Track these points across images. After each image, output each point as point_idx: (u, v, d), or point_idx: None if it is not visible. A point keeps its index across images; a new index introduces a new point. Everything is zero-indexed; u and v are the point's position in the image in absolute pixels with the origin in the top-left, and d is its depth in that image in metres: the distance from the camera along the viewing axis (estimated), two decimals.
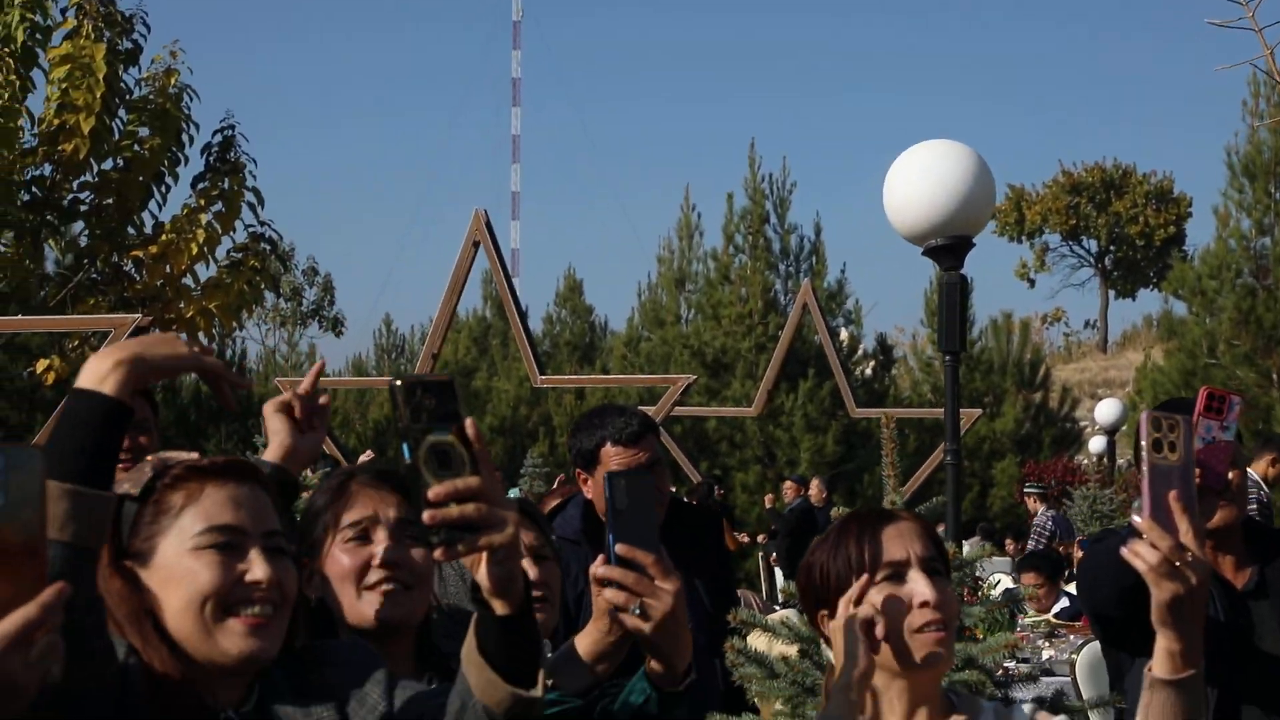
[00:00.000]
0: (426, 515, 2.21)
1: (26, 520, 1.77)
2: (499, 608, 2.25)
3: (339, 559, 2.95)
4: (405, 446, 2.22)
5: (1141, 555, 2.60)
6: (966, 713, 2.89)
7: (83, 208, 18.41)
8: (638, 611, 2.65)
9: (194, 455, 2.56)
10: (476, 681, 2.31)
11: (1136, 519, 2.62)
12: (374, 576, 2.92)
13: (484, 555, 2.22)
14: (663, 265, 31.92)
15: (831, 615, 2.87)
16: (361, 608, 2.91)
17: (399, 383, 2.23)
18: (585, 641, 3.05)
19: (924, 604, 2.76)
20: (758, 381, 22.78)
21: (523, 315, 12.73)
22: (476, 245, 12.19)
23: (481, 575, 2.24)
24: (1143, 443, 2.61)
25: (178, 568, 2.44)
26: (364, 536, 2.95)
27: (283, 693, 2.52)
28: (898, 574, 2.80)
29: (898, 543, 2.82)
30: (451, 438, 2.23)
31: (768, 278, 29.24)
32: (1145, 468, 2.61)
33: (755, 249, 29.33)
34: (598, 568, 2.68)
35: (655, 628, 2.65)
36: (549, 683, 3.11)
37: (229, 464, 2.54)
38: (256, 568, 2.43)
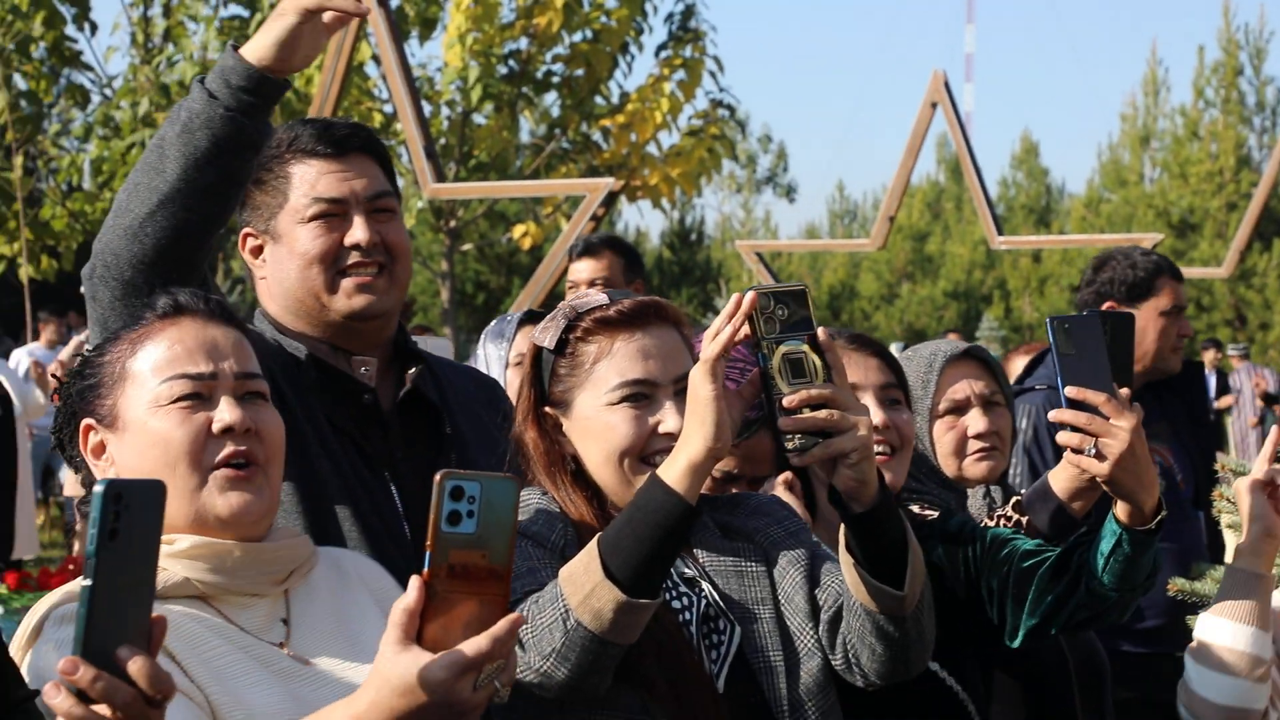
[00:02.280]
0: (782, 422, 2.27)
1: (495, 549, 1.88)
2: (855, 508, 2.30)
3: None
4: (760, 356, 2.30)
5: None
6: None
7: (555, 79, 19.17)
8: (1093, 452, 2.65)
9: (603, 299, 2.59)
10: (849, 578, 2.39)
11: None
12: None
13: (838, 460, 2.27)
14: (1125, 123, 30.65)
15: None
16: None
17: (751, 294, 2.30)
18: (1059, 479, 3.11)
19: None
20: (1227, 242, 21.71)
21: (981, 176, 12.60)
22: (934, 107, 12.13)
23: (836, 479, 2.29)
24: None
25: (595, 421, 2.53)
26: None
27: (711, 531, 2.62)
28: None
29: None
30: (805, 346, 2.29)
31: (1240, 133, 27.68)
32: None
33: (1227, 103, 27.77)
34: (1053, 412, 2.70)
35: (1114, 466, 2.64)
36: (1021, 519, 3.20)
37: (638, 310, 2.56)
38: (669, 419, 2.49)
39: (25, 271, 16.50)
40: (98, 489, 1.65)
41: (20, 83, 17.82)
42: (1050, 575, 2.79)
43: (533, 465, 2.59)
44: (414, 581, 1.86)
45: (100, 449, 2.28)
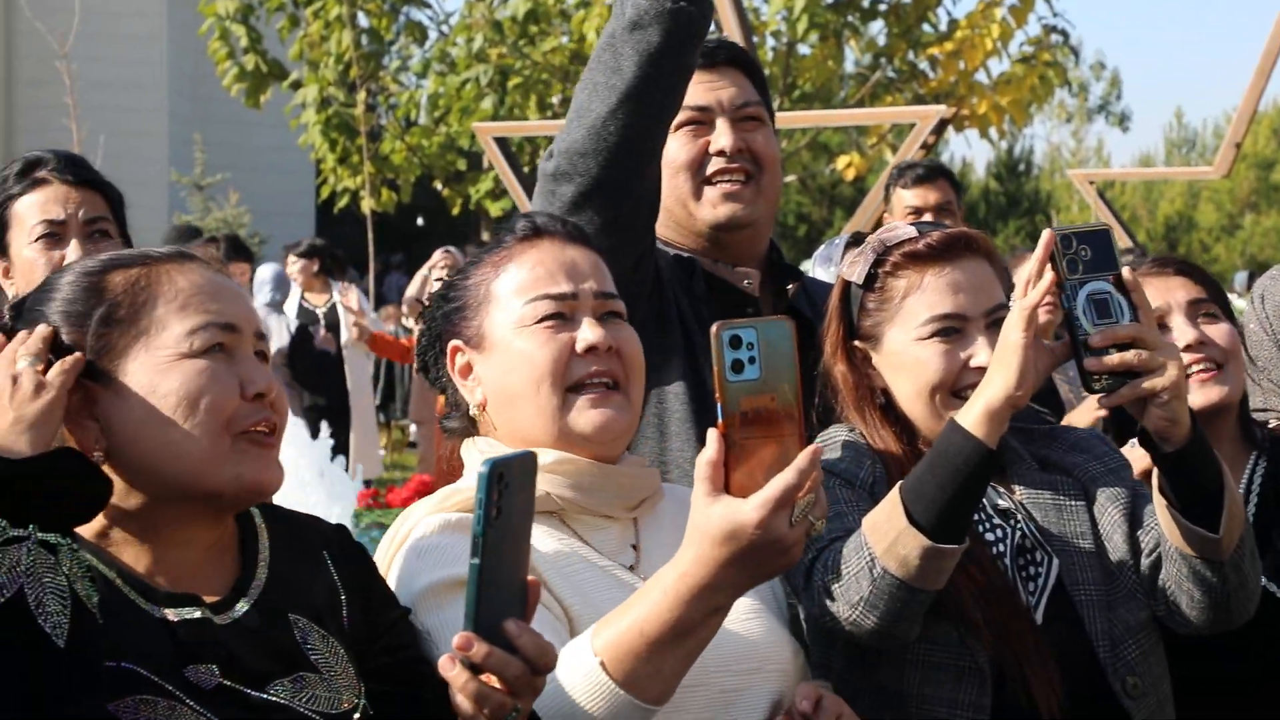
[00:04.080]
0: (1088, 363, 2.22)
1: (781, 390, 1.89)
2: (1166, 448, 2.24)
3: None
4: (1063, 297, 2.25)
5: None
6: None
7: (881, 7, 18.88)
8: None
9: (911, 231, 2.55)
10: (1163, 521, 2.32)
11: None
12: None
13: (1148, 400, 2.21)
14: None
15: None
16: None
17: (1049, 234, 2.27)
18: None
19: None
20: None
21: None
22: None
23: (1147, 419, 2.23)
24: None
25: (905, 356, 2.50)
26: None
27: (1028, 464, 2.58)
28: None
29: None
30: (1109, 286, 2.25)
31: None
32: None
33: None
34: None
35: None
36: None
37: (948, 242, 2.51)
38: (981, 353, 2.45)
39: (367, 204, 17.21)
40: (481, 470, 1.71)
41: (363, 20, 18.52)
42: None
43: (841, 399, 2.58)
44: (711, 434, 1.88)
45: (467, 369, 2.34)
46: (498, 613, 1.74)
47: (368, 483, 9.79)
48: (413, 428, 14.55)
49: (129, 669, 1.82)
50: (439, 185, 19.38)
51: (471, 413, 2.35)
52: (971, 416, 2.27)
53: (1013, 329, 2.26)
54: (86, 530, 1.94)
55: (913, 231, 2.54)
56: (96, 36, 18.28)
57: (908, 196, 5.82)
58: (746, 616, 2.25)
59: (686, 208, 2.95)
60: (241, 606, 1.96)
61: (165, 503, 1.95)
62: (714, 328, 1.89)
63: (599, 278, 2.33)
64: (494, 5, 17.86)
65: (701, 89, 2.96)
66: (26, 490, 1.78)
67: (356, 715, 1.97)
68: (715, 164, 2.94)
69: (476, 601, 1.72)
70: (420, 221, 28.25)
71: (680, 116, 2.91)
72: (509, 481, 1.72)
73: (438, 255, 11.89)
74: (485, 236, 20.41)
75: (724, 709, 2.17)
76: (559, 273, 2.29)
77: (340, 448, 10.31)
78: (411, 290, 12.17)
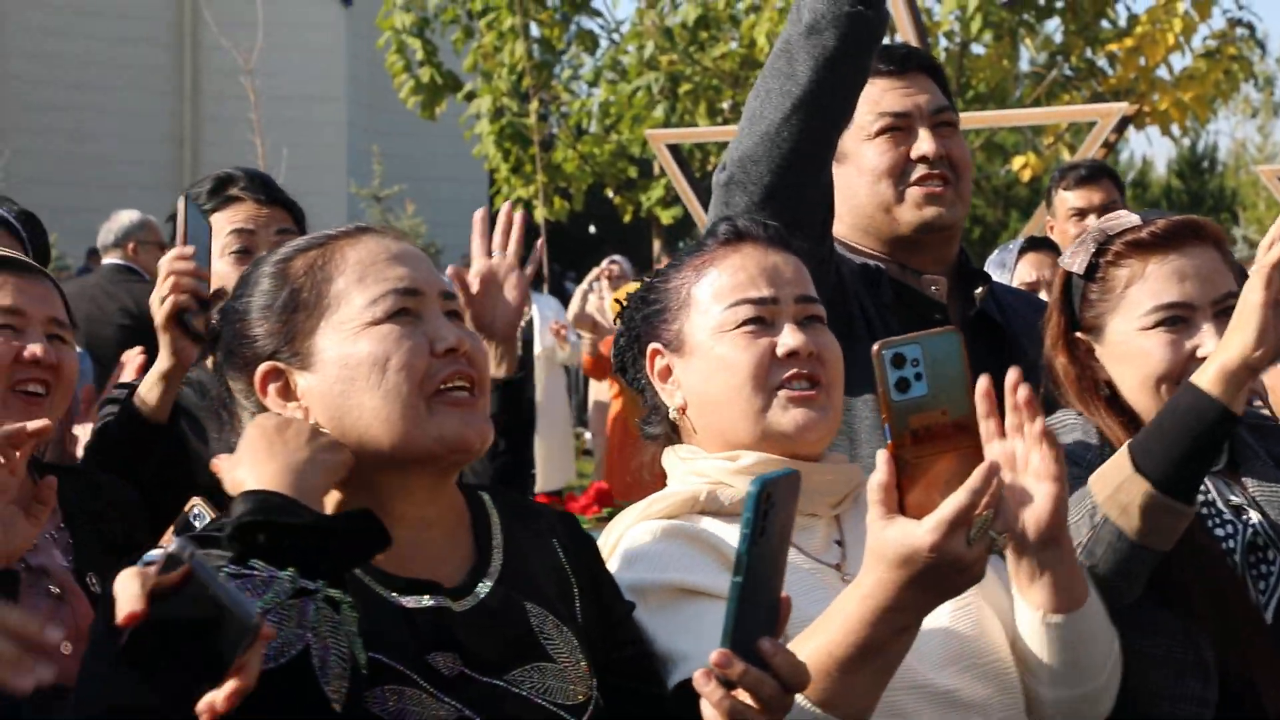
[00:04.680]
0: None
1: (954, 403, 1.85)
2: None
3: None
4: None
5: None
6: None
7: (1058, 5, 18.55)
8: None
9: (1134, 219, 2.51)
10: None
11: None
12: None
13: None
14: None
15: None
16: None
17: None
18: None
19: None
20: None
21: None
22: None
23: None
24: None
25: (1129, 346, 2.45)
26: None
27: (1262, 460, 2.52)
28: None
29: None
30: None
31: None
32: None
33: None
34: None
35: None
36: None
37: (1173, 230, 2.46)
38: (1208, 342, 2.39)
39: (540, 213, 17.40)
40: (751, 489, 1.70)
41: (535, 30, 18.71)
42: None
43: (1064, 391, 2.54)
44: (880, 455, 1.85)
45: (666, 373, 2.35)
46: (753, 630, 1.74)
47: (549, 492, 9.87)
48: (587, 435, 14.65)
49: (375, 658, 1.82)
50: (611, 193, 19.51)
51: (671, 416, 2.36)
52: (1206, 376, 2.22)
53: (1253, 289, 2.20)
54: None
55: (1136, 219, 2.51)
56: (278, 52, 18.76)
57: (1071, 198, 5.70)
58: (957, 608, 2.19)
59: (890, 213, 2.96)
60: (479, 593, 1.97)
61: (381, 476, 1.95)
62: (874, 348, 1.85)
63: (800, 282, 2.32)
64: (664, 12, 17.93)
65: (897, 95, 2.97)
66: (320, 543, 1.76)
67: (590, 709, 1.97)
68: (918, 170, 2.95)
69: (736, 620, 1.71)
70: (592, 229, 28.46)
71: (878, 123, 2.94)
72: (775, 500, 1.71)
73: (603, 266, 11.96)
74: (657, 244, 20.50)
75: (943, 711, 2.13)
76: (760, 277, 2.29)
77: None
78: (574, 305, 12.23)
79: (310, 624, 1.70)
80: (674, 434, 2.39)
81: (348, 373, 1.94)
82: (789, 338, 2.25)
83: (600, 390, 12.64)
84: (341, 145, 26.31)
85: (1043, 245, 5.20)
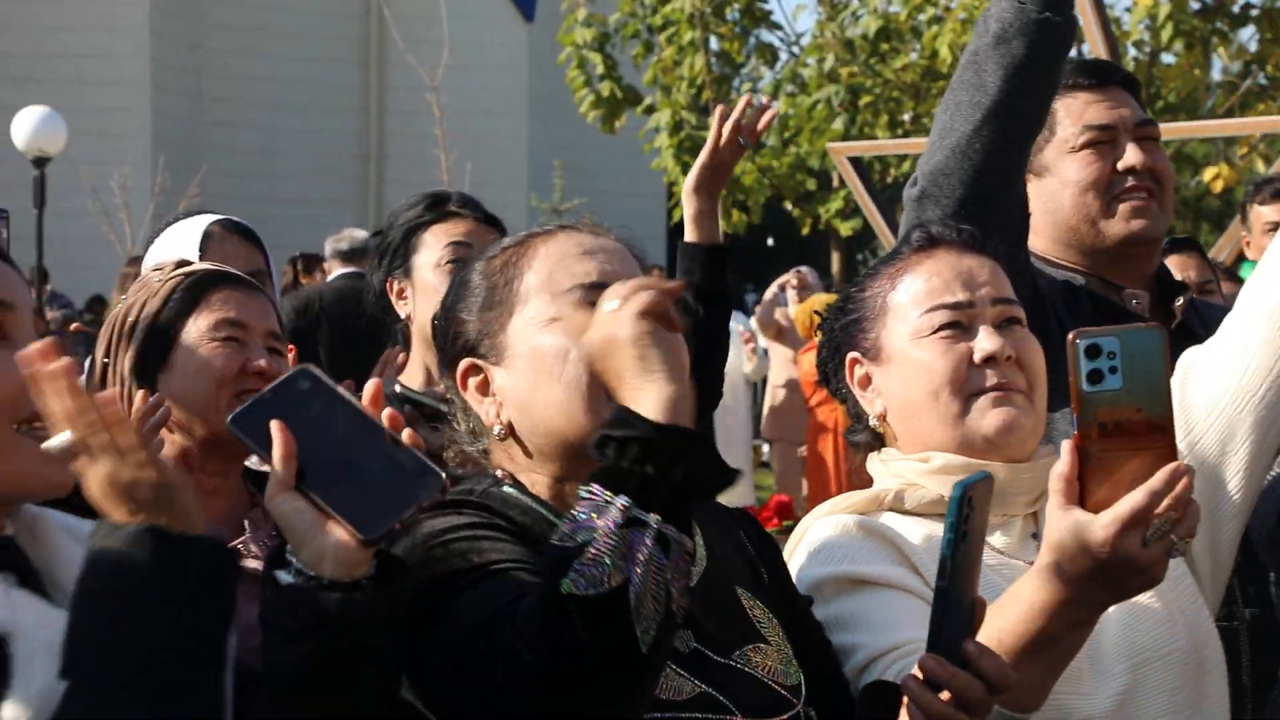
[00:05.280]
0: None
1: (1149, 400, 1.80)
2: None
3: None
4: None
5: None
6: None
7: (1253, 12, 18.06)
8: None
9: None
10: None
11: None
12: None
13: None
14: None
15: None
16: None
17: None
18: None
19: None
20: None
21: None
22: None
23: None
24: None
25: None
26: None
27: None
28: None
29: None
30: None
31: None
32: None
33: None
34: None
35: None
36: None
37: None
38: None
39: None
40: (954, 493, 1.70)
41: (715, 44, 18.75)
42: None
43: None
44: (1065, 444, 1.82)
45: (866, 381, 2.36)
46: (956, 633, 1.75)
47: None
48: (765, 447, 14.60)
49: None
50: (789, 205, 19.44)
51: (872, 423, 2.37)
52: None
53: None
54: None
55: None
56: (462, 68, 19.07)
57: (1267, 212, 5.55)
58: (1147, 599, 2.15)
59: (1095, 226, 2.94)
60: (694, 573, 1.97)
61: (570, 468, 1.96)
62: (1070, 336, 1.82)
63: (997, 284, 2.30)
64: (845, 24, 17.83)
65: (1101, 109, 2.96)
66: (661, 466, 1.69)
67: (803, 691, 1.99)
68: (1125, 182, 2.93)
69: (941, 622, 1.73)
70: (770, 242, 28.42)
71: (1083, 136, 2.93)
72: (974, 504, 1.73)
73: (790, 273, 11.93)
74: (835, 256, 20.37)
75: (1124, 703, 2.11)
76: (955, 282, 2.28)
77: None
78: (761, 309, 12.25)
79: (642, 560, 1.66)
80: (878, 442, 2.40)
81: (533, 365, 1.98)
82: (985, 341, 2.23)
83: (777, 396, 12.60)
84: (522, 160, 26.68)
85: (1186, 246, 5.06)
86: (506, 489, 1.99)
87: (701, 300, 2.92)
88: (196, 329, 2.66)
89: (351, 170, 26.93)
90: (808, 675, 2.03)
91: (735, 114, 3.11)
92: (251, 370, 2.64)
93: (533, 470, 2.01)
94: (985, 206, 2.69)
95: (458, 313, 2.08)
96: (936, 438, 2.25)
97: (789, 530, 2.49)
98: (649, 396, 1.74)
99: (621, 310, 1.80)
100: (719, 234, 3.06)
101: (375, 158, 27.21)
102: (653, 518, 1.68)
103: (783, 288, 12.21)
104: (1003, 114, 2.65)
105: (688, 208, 3.15)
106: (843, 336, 2.38)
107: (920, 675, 1.74)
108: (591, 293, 1.96)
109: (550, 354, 1.96)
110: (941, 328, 2.25)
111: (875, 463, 2.38)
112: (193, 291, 2.69)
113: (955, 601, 1.73)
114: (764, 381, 13.51)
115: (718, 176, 3.10)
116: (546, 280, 2.01)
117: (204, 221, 3.36)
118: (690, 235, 3.11)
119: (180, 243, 3.30)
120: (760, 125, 3.15)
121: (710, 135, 3.13)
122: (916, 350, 2.26)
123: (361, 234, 8.49)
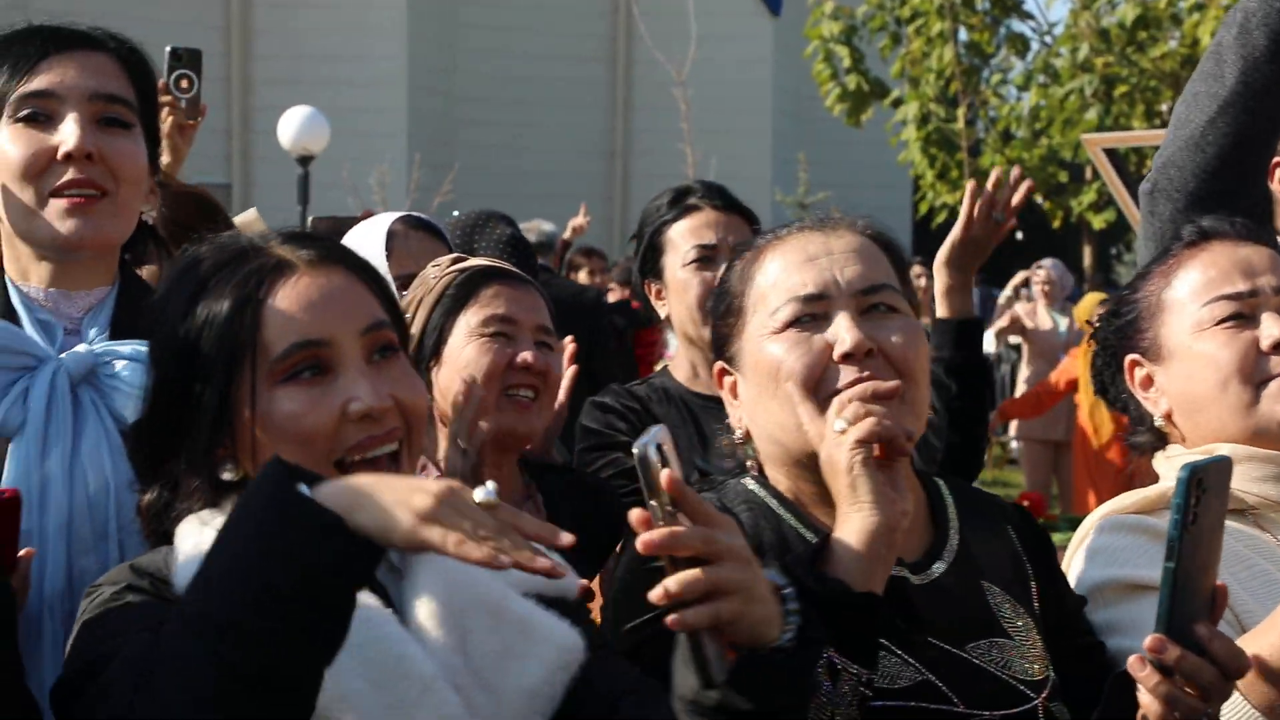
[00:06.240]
0: None
1: None
2: None
3: None
4: None
5: None
6: None
7: None
8: None
9: None
10: None
11: None
12: None
13: None
14: None
15: None
16: None
17: None
18: None
19: None
20: None
21: None
22: None
23: None
24: None
25: None
26: None
27: None
28: None
29: None
30: None
31: None
32: None
33: None
34: None
35: None
36: None
37: None
38: None
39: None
40: (1180, 474, 1.70)
41: (964, 35, 18.46)
42: None
43: None
44: None
45: (1148, 382, 2.33)
46: (1188, 616, 1.74)
47: None
48: (1014, 444, 14.33)
49: None
50: (1039, 198, 19.04)
51: (1157, 424, 2.34)
52: None
53: None
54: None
55: None
56: (708, 63, 19.16)
57: None
58: None
59: None
60: (938, 568, 2.03)
61: (796, 472, 2.03)
62: None
63: (1277, 272, 2.27)
64: (1101, 13, 17.36)
65: None
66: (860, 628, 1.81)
67: (1048, 687, 1.99)
68: None
69: (1170, 604, 1.72)
70: (1020, 236, 27.83)
71: None
72: (1206, 486, 1.71)
73: (1032, 270, 11.69)
74: (1087, 250, 19.87)
75: None
76: (1234, 272, 2.25)
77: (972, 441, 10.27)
78: (1001, 303, 12.02)
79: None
80: (1161, 443, 2.37)
81: (755, 378, 2.03)
82: (1273, 328, 2.20)
83: None
84: (767, 154, 26.66)
85: None
86: (747, 481, 2.07)
87: (956, 374, 2.89)
88: (467, 324, 2.73)
89: (597, 167, 27.26)
90: (1068, 675, 2.02)
91: (989, 187, 3.01)
92: (518, 365, 2.71)
93: (773, 466, 2.09)
94: (1221, 204, 2.62)
95: (713, 317, 2.16)
96: (1227, 430, 2.22)
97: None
98: (851, 527, 1.84)
99: (844, 435, 1.86)
100: (971, 307, 2.98)
101: (620, 154, 27.51)
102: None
103: (1017, 288, 11.96)
104: (1239, 105, 2.61)
105: (939, 282, 3.07)
106: (1118, 341, 2.37)
107: (1147, 656, 1.73)
108: (808, 304, 1.99)
109: (766, 369, 2.00)
110: (1225, 319, 2.23)
111: (1161, 461, 2.35)
112: (465, 288, 2.77)
113: (1185, 584, 1.72)
114: (1011, 377, 13.23)
115: (970, 253, 3.00)
116: (770, 289, 2.04)
117: (388, 220, 3.42)
118: (941, 310, 3.05)
119: (365, 243, 3.34)
120: (1016, 200, 3.03)
121: (963, 212, 3.05)
122: (1199, 343, 2.24)
123: (549, 226, 8.34)
